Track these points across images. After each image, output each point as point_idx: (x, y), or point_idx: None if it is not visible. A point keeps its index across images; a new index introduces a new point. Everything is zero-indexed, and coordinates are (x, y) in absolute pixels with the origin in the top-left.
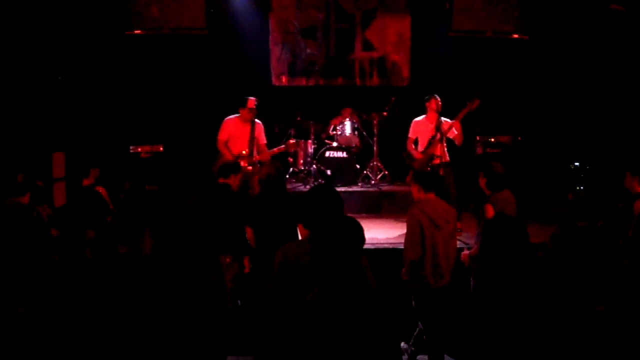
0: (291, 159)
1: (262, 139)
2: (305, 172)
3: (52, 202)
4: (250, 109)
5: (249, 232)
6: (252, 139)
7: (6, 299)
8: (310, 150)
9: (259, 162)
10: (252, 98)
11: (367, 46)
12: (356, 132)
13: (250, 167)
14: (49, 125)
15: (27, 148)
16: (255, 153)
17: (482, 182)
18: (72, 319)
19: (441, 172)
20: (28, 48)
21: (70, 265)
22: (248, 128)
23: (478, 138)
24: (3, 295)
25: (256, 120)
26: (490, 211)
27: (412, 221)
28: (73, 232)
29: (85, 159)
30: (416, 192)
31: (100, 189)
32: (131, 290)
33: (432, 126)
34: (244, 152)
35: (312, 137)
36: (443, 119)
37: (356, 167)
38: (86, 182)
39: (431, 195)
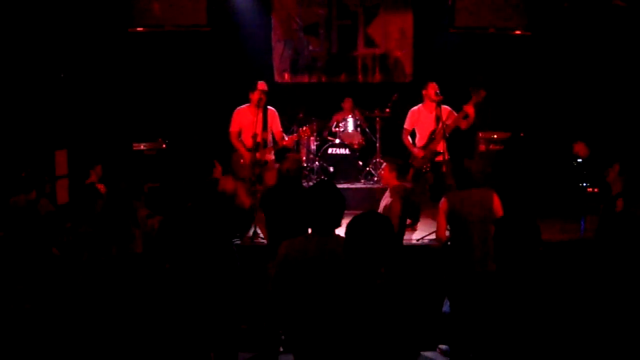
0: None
1: (278, 127)
2: (308, 168)
3: (55, 199)
4: (261, 91)
5: (261, 216)
6: (266, 125)
7: (11, 296)
8: (313, 147)
9: (278, 151)
10: (261, 81)
11: (370, 43)
12: (358, 129)
13: (270, 157)
14: (52, 123)
15: (30, 146)
16: (270, 141)
17: (452, 179)
18: (73, 316)
19: (444, 169)
20: (30, 45)
21: (70, 262)
22: (260, 116)
23: (480, 134)
24: (8, 292)
25: (269, 107)
26: (442, 206)
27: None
28: (74, 229)
29: (88, 156)
30: (387, 174)
31: (101, 187)
32: (125, 288)
33: (432, 116)
34: (256, 132)
35: (315, 133)
36: (445, 107)
37: (359, 163)
38: (88, 181)
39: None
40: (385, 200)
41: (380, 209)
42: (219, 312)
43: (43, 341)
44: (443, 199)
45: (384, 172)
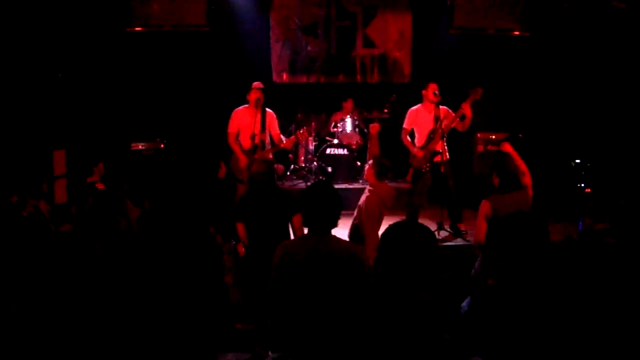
0: (292, 156)
1: (275, 129)
2: (306, 169)
3: (52, 199)
4: (257, 90)
5: (241, 228)
6: (264, 126)
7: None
8: (311, 147)
9: (276, 153)
10: (256, 82)
11: (368, 43)
12: (357, 129)
13: (270, 156)
14: (50, 123)
15: (28, 146)
16: (268, 143)
17: (496, 181)
18: (61, 318)
19: (442, 170)
20: (29, 45)
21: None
22: (258, 118)
23: (479, 135)
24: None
25: (267, 108)
26: (483, 208)
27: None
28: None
29: (86, 156)
30: (368, 170)
31: (100, 186)
32: (111, 289)
33: (430, 116)
34: (254, 133)
35: (313, 134)
36: (442, 107)
37: (357, 164)
38: (89, 180)
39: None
40: (363, 197)
41: (358, 205)
42: (201, 311)
43: (29, 343)
44: (485, 202)
45: (367, 167)
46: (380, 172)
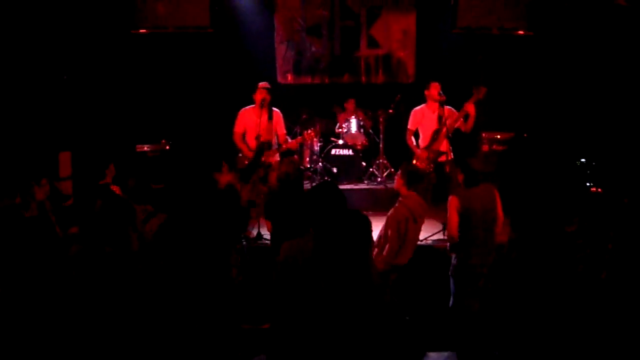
0: (297, 157)
1: (282, 129)
2: (312, 169)
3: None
4: (264, 90)
5: (268, 225)
6: (270, 126)
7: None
8: (316, 148)
9: (282, 153)
10: (263, 82)
11: (373, 43)
12: (362, 130)
13: (275, 159)
14: (55, 125)
15: (34, 148)
16: (274, 143)
17: (460, 177)
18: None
19: (447, 169)
20: (34, 48)
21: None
22: (265, 118)
23: (484, 135)
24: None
25: (274, 108)
26: (452, 203)
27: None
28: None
29: (91, 158)
30: (398, 179)
31: (115, 188)
32: (117, 286)
33: (434, 116)
34: (259, 133)
35: (318, 134)
36: (446, 106)
37: (362, 164)
38: (102, 182)
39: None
40: (392, 209)
41: (387, 216)
42: (218, 312)
43: (33, 342)
44: (453, 197)
45: (397, 176)
46: (411, 180)
